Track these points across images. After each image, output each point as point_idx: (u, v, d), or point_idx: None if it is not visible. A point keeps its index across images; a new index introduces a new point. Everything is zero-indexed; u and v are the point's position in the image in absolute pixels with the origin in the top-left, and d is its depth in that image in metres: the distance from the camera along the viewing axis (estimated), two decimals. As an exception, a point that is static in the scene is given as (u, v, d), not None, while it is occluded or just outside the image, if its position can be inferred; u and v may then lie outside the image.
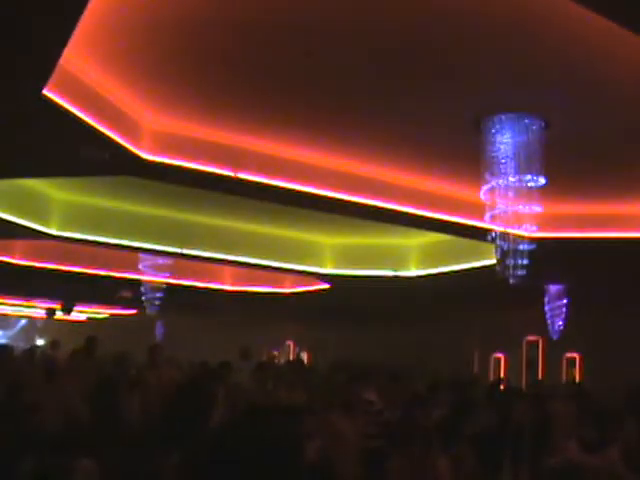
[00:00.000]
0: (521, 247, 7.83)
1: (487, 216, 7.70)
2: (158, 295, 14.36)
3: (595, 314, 14.56)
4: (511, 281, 7.79)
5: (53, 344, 14.20)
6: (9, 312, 29.00)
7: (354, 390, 8.19)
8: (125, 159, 7.63)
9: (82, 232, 12.13)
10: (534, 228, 7.77)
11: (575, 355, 17.20)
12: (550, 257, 9.80)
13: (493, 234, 7.79)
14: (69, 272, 15.37)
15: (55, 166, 8.56)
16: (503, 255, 7.77)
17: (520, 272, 7.73)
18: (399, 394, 8.74)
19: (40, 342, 27.24)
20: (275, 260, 13.49)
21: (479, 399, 9.00)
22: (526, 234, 7.83)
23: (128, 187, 10.49)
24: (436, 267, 13.10)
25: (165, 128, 7.81)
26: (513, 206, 7.48)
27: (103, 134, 6.95)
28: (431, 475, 5.54)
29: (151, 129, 7.76)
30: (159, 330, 17.25)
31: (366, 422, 7.45)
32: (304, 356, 20.02)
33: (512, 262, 7.70)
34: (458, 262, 12.60)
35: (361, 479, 6.26)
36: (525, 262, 7.74)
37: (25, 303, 24.64)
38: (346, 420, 7.00)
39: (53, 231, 11.90)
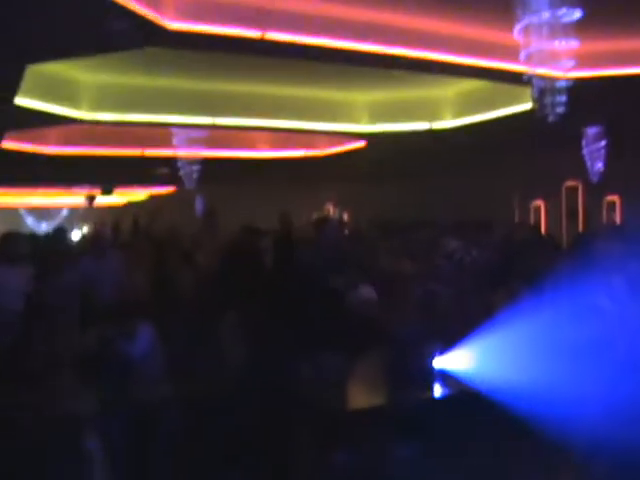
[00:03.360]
0: (559, 85, 7.69)
1: (522, 56, 7.52)
2: (195, 168, 14.40)
3: (635, 154, 14.36)
4: (550, 119, 7.69)
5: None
6: (50, 204, 29.39)
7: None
8: (150, 30, 7.52)
9: (113, 113, 12.11)
10: (571, 65, 7.60)
11: (615, 198, 17.11)
12: (588, 97, 9.59)
13: (529, 74, 7.63)
14: (105, 156, 15.45)
15: (79, 44, 8.46)
16: (541, 94, 7.63)
17: (559, 110, 7.62)
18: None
19: (83, 229, 27.64)
20: (309, 121, 13.37)
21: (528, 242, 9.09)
22: (563, 72, 7.67)
23: (155, 61, 10.37)
24: (472, 116, 12.91)
25: (188, -6, 7.65)
26: (548, 43, 7.29)
27: (126, 5, 6.83)
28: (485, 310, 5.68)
29: (174, -4, 7.61)
30: (199, 205, 17.37)
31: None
32: (345, 217, 20.16)
33: (550, 100, 7.57)
34: (495, 109, 12.39)
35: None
36: (563, 99, 7.60)
37: (65, 192, 24.90)
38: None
39: (84, 114, 11.89)
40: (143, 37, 7.95)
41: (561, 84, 7.65)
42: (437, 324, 5.96)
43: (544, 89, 7.58)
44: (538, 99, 7.63)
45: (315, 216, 13.61)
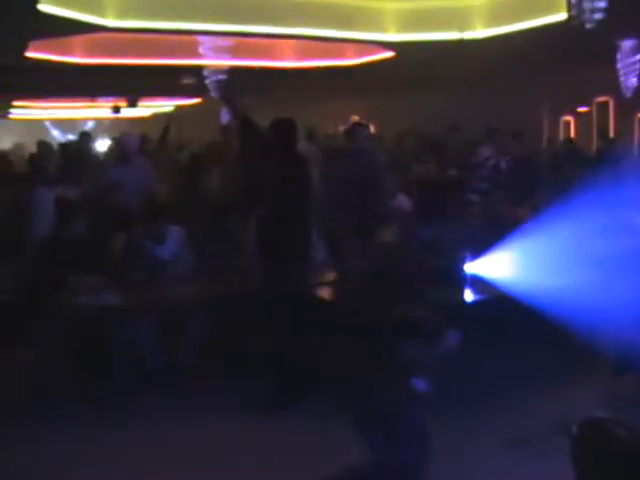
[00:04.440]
0: (597, -9, 7.46)
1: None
2: (221, 77, 14.27)
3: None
4: (586, 27, 7.48)
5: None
6: (75, 116, 29.30)
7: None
8: None
9: (139, 20, 11.91)
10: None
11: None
12: (625, 6, 9.29)
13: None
14: (130, 65, 15.29)
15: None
16: (578, 1, 7.42)
17: (596, 16, 7.40)
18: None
19: (108, 142, 27.61)
20: (335, 30, 13.05)
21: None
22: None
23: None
24: (504, 27, 12.55)
25: None
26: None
27: None
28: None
29: None
30: (225, 117, 17.21)
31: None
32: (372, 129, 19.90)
33: (588, 6, 7.35)
34: (528, 20, 12.02)
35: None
36: (601, 5, 7.38)
37: (90, 104, 24.78)
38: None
39: (110, 22, 11.70)
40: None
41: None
42: (469, 230, 5.94)
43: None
44: (575, 5, 7.42)
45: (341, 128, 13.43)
